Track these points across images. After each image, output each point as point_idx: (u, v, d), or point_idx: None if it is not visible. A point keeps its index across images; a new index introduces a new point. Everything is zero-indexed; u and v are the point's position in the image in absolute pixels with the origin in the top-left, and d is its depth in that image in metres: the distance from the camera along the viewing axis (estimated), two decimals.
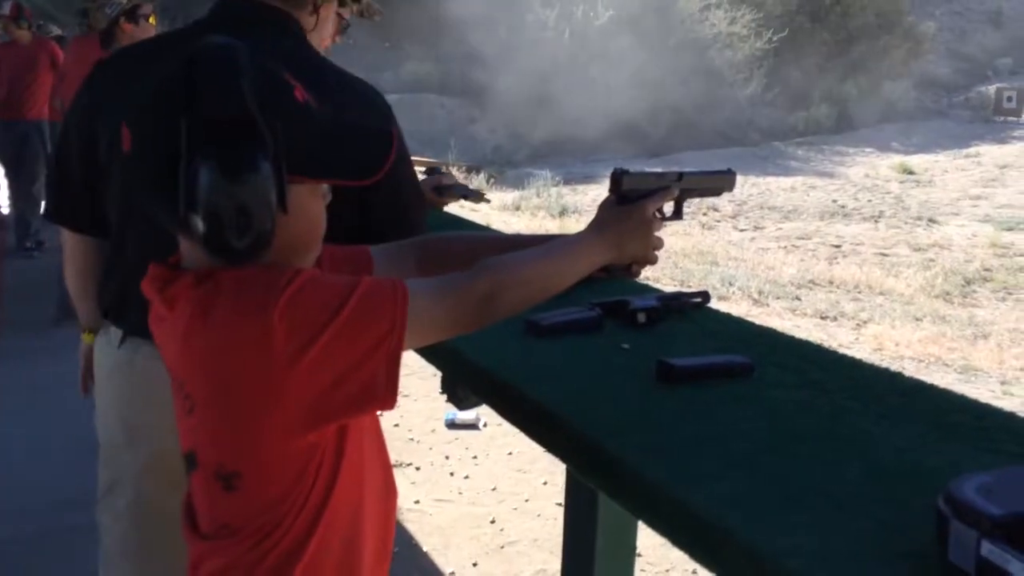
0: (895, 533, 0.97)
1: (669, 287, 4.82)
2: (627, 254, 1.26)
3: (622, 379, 1.42)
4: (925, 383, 1.43)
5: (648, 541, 2.12)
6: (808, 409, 1.31)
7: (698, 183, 1.38)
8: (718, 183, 1.43)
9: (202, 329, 0.99)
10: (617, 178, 1.28)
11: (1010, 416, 1.29)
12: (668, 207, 1.35)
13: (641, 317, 1.68)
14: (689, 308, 1.79)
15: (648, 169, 1.39)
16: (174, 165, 0.95)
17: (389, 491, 1.18)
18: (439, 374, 1.77)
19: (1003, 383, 5.36)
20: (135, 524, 1.62)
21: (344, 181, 1.09)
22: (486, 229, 2.48)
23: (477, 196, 2.52)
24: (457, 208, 2.79)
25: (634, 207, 1.26)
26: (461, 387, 1.61)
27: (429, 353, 1.65)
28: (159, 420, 1.52)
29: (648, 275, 1.51)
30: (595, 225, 1.26)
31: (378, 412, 1.12)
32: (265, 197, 0.96)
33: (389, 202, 1.58)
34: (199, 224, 0.96)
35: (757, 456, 1.15)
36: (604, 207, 1.28)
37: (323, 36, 1.68)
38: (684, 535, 1.05)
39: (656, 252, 1.30)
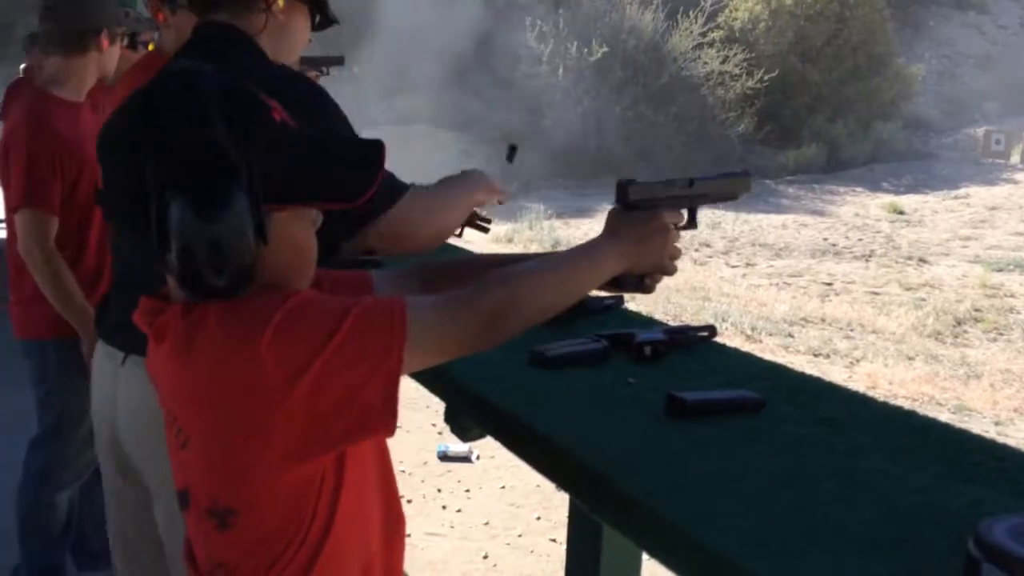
0: None
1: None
2: (644, 263, 1.17)
3: (630, 413, 1.39)
4: (939, 422, 1.40)
5: None
6: (823, 447, 1.28)
7: (711, 188, 1.29)
8: (732, 187, 1.33)
9: (188, 361, 0.96)
10: (624, 187, 1.19)
11: None
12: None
13: (647, 350, 1.65)
14: (695, 342, 1.77)
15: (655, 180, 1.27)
16: (146, 201, 0.91)
17: (396, 520, 1.13)
18: (431, 405, 1.73)
19: (997, 423, 5.34)
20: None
21: (330, 205, 1.02)
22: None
23: (485, 222, 2.57)
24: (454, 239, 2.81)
25: (650, 213, 1.18)
26: (464, 418, 1.58)
27: (432, 383, 1.62)
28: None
29: (641, 309, 1.46)
30: (609, 232, 1.16)
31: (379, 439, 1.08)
32: (241, 232, 0.91)
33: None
34: (174, 262, 0.92)
35: (773, 494, 1.13)
36: (614, 215, 1.18)
37: (290, 44, 1.57)
38: (701, 574, 1.02)
39: (675, 262, 1.21)
